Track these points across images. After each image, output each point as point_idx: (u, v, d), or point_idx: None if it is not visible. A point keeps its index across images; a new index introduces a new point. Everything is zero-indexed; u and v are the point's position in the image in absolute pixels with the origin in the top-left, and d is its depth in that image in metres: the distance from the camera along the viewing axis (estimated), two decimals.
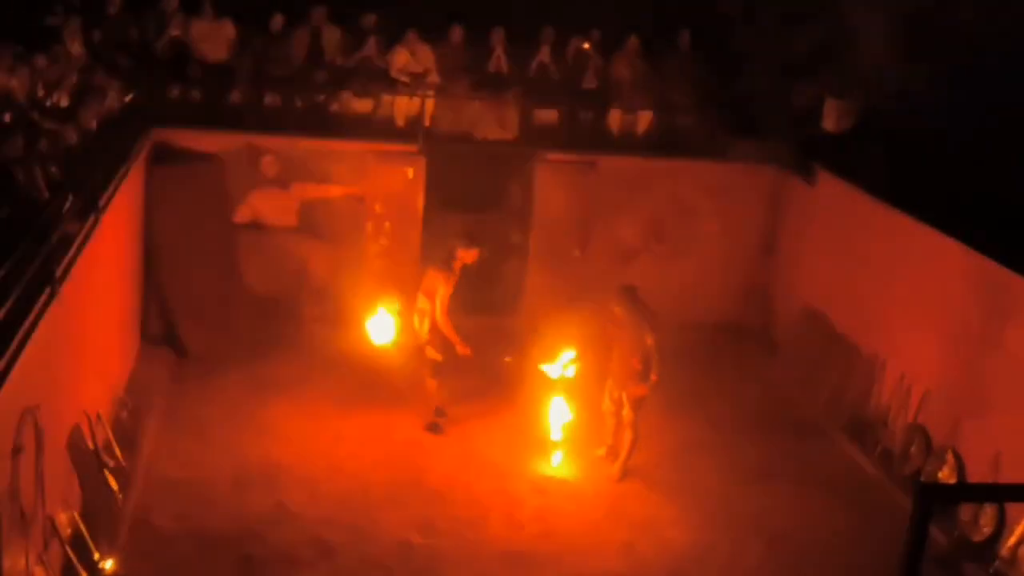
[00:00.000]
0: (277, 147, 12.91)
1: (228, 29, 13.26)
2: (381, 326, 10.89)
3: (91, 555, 8.06)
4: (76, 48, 11.79)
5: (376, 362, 11.34)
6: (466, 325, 10.73)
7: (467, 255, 10.46)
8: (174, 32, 13.03)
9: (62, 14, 12.06)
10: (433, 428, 10.86)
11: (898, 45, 11.61)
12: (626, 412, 10.16)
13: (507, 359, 11.14)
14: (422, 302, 10.50)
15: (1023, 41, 10.80)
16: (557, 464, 10.44)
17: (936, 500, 3.60)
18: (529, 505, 9.79)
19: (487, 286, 13.17)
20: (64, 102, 10.35)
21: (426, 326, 10.50)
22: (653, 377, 9.95)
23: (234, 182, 12.80)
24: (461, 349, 10.48)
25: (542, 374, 10.63)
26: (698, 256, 13.72)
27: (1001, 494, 7.24)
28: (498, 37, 13.86)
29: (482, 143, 13.35)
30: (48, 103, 10.18)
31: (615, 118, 13.91)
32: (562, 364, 10.56)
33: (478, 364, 10.84)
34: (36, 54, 10.49)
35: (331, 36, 13.63)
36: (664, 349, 9.93)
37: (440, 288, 10.34)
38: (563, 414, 10.55)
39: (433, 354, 10.58)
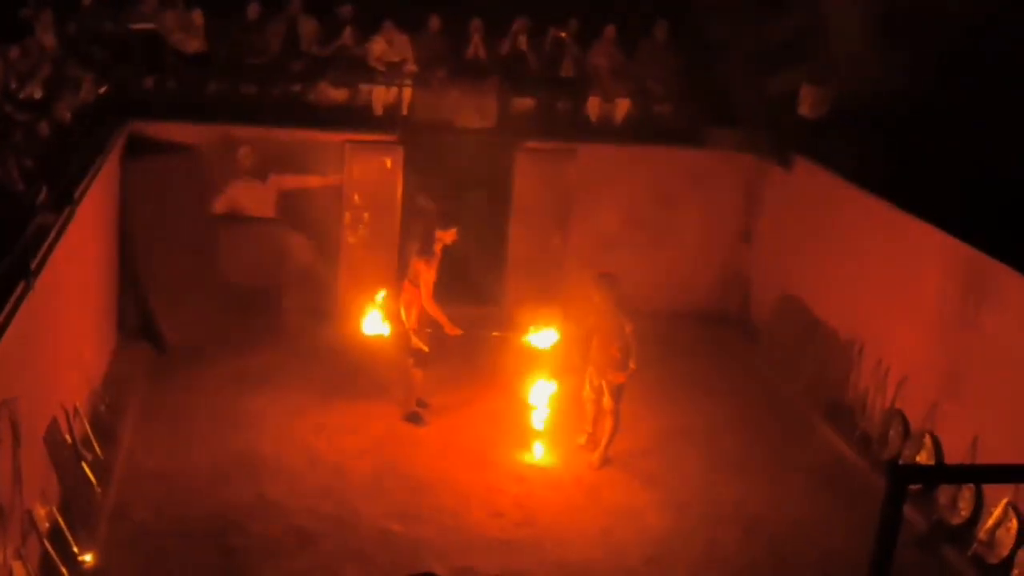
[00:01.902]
0: (254, 138, 12.86)
1: (197, 18, 13.17)
2: (375, 319, 10.81)
3: (70, 549, 8.04)
4: (49, 40, 11.69)
5: (356, 352, 11.32)
6: (447, 314, 10.73)
7: (446, 235, 10.48)
8: (142, 25, 12.91)
9: (35, 5, 11.95)
10: (413, 419, 10.86)
11: (873, 31, 11.66)
12: (606, 400, 10.19)
13: (495, 334, 11.16)
14: (408, 292, 10.51)
15: (1000, 25, 10.85)
16: (537, 453, 10.47)
17: (909, 481, 3.62)
18: (509, 493, 9.81)
19: (467, 275, 13.17)
20: (38, 94, 10.28)
21: (413, 316, 10.51)
22: (632, 365, 9.99)
23: (211, 173, 12.75)
24: (450, 330, 10.49)
25: (528, 347, 10.61)
26: (676, 244, 13.76)
27: (973, 475, 7.32)
28: (476, 26, 13.83)
29: (460, 132, 13.32)
30: (21, 95, 10.10)
31: (593, 106, 13.91)
32: (547, 334, 10.56)
33: (466, 341, 10.79)
34: (9, 46, 10.41)
35: (307, 26, 13.58)
36: (643, 337, 9.98)
37: (424, 273, 10.35)
38: (544, 401, 10.57)
39: (419, 344, 10.58)
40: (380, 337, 10.65)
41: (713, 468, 10.46)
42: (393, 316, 10.61)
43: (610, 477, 10.20)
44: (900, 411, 10.53)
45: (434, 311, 10.44)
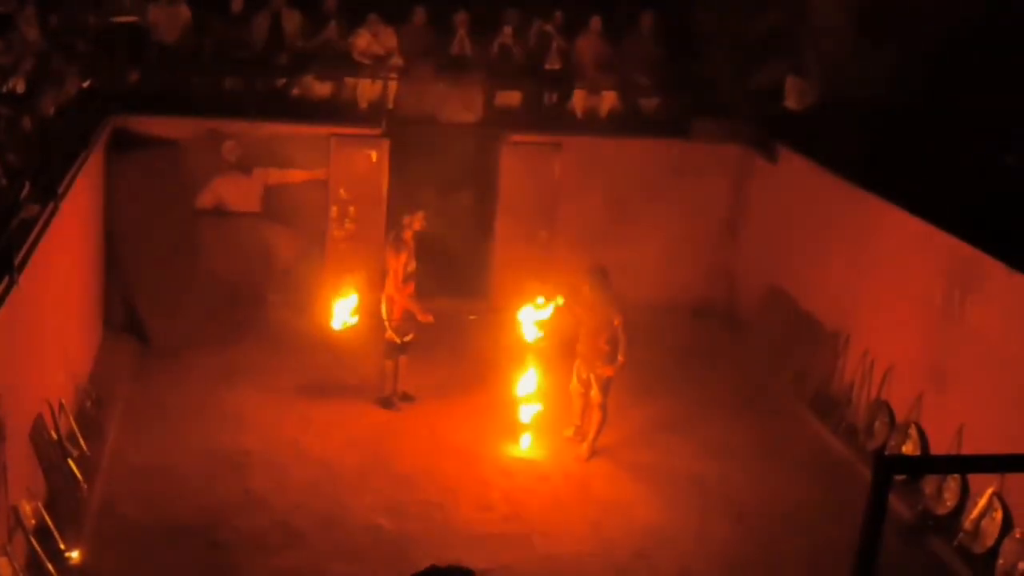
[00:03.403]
0: (239, 132, 12.81)
1: (184, 13, 13.13)
2: (341, 311, 10.84)
3: (56, 545, 8.00)
4: (32, 33, 11.59)
5: (342, 347, 11.28)
6: (433, 308, 10.75)
7: (414, 221, 10.57)
8: (125, 18, 12.83)
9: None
10: (384, 403, 10.92)
11: (859, 22, 11.68)
12: (594, 393, 10.19)
13: (471, 316, 11.16)
14: (387, 284, 10.57)
15: (984, 16, 10.87)
16: (525, 446, 10.46)
17: (895, 471, 3.62)
18: (497, 487, 9.81)
19: (454, 269, 13.17)
20: (20, 88, 10.18)
21: (395, 308, 10.59)
22: (620, 358, 10.00)
23: (196, 168, 12.70)
24: (422, 316, 10.60)
25: (520, 326, 10.64)
26: (663, 236, 13.73)
27: (958, 465, 7.33)
28: (461, 19, 13.80)
29: (446, 125, 13.31)
30: (4, 89, 10.01)
31: (579, 99, 13.90)
32: (537, 310, 10.58)
33: (452, 335, 10.84)
34: None
35: (291, 19, 13.51)
36: (631, 330, 9.98)
37: (391, 260, 10.47)
38: (531, 393, 10.56)
39: (391, 335, 10.66)
40: (350, 328, 10.72)
41: (701, 461, 10.47)
42: (374, 309, 10.67)
43: (598, 470, 10.21)
44: (886, 402, 10.57)
45: (402, 299, 10.53)
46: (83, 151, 10.75)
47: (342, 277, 11.18)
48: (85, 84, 11.31)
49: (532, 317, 10.56)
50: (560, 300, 10.50)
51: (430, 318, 10.62)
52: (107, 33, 12.62)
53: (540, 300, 10.55)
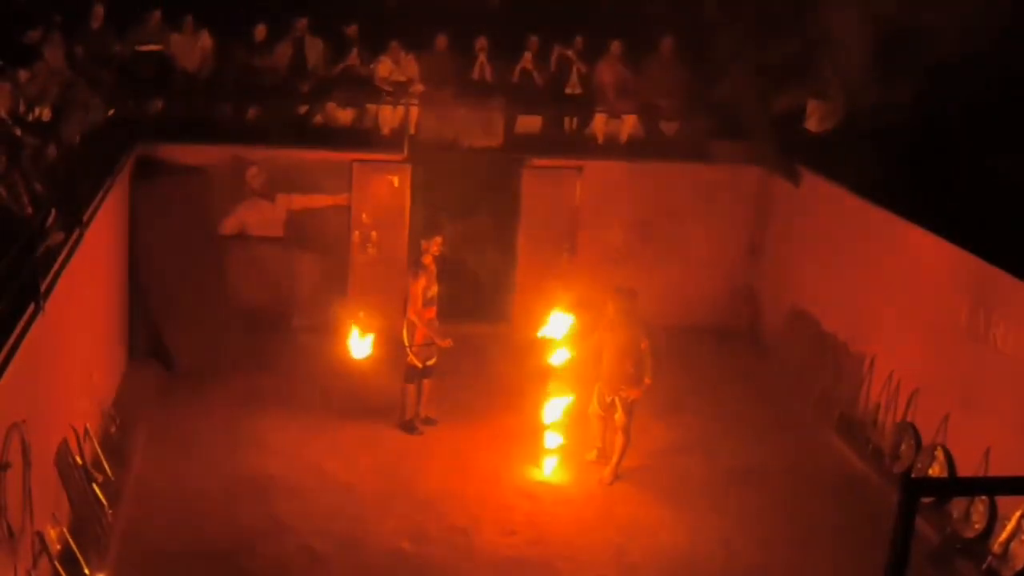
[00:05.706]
0: (262, 158, 12.94)
1: (206, 41, 13.25)
2: (358, 342, 10.91)
3: (81, 570, 8.02)
4: (58, 63, 11.74)
5: (365, 371, 11.31)
6: (455, 332, 10.76)
7: (432, 245, 10.65)
8: (149, 47, 12.97)
9: (44, 28, 12.00)
10: (406, 428, 10.95)
11: (880, 44, 11.66)
12: (618, 416, 10.16)
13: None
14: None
15: (1005, 36, 10.84)
16: (548, 469, 10.42)
17: (922, 494, 3.60)
18: (520, 511, 9.78)
19: (476, 293, 13.20)
20: (46, 117, 10.31)
21: (415, 332, 10.62)
22: (647, 380, 9.98)
23: (220, 194, 12.82)
24: (440, 341, 10.68)
25: (540, 345, 10.67)
26: (685, 258, 13.74)
27: (986, 487, 7.27)
28: (481, 45, 13.88)
29: (467, 151, 13.36)
30: (30, 118, 10.13)
31: (599, 123, 13.95)
32: (560, 322, 10.63)
33: (475, 358, 10.97)
34: (17, 69, 10.45)
35: (314, 47, 13.63)
36: (653, 352, 9.97)
37: (410, 285, 10.56)
38: (558, 419, 10.54)
39: (413, 360, 10.70)
40: (364, 359, 10.83)
41: (725, 483, 10.41)
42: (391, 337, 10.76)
43: (622, 493, 10.17)
44: (912, 424, 10.49)
45: (421, 323, 10.58)
46: (108, 179, 10.86)
47: (364, 307, 11.25)
48: (110, 112, 11.43)
49: (550, 333, 10.60)
50: (573, 318, 10.56)
51: (448, 343, 10.69)
52: (131, 62, 12.78)
53: (556, 316, 10.62)
